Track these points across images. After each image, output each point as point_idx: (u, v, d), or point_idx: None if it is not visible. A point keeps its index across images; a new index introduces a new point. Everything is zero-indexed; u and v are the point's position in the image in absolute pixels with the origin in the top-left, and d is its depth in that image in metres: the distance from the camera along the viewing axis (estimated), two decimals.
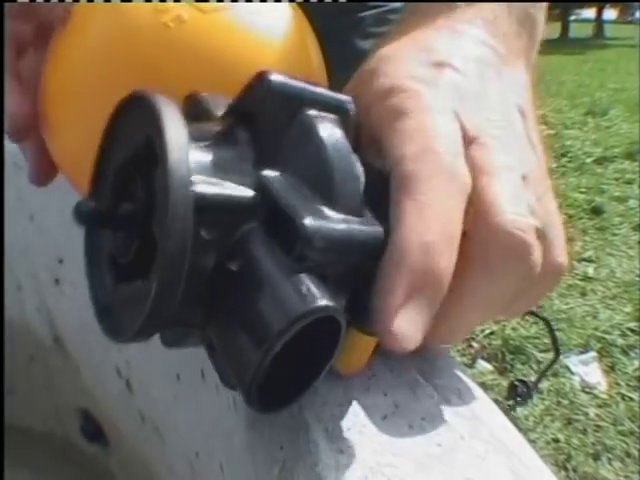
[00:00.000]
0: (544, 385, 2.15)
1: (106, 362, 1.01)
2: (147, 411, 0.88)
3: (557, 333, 2.32)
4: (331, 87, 0.33)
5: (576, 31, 30.84)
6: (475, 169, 0.32)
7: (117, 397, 1.04)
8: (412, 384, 0.37)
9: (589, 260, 3.11)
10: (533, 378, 2.16)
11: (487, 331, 2.49)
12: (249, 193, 0.28)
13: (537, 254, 0.31)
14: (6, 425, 1.42)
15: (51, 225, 1.02)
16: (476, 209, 0.32)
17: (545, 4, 0.49)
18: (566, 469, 1.89)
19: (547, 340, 2.33)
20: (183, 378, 0.64)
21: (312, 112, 0.30)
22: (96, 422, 1.17)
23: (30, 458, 1.35)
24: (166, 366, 0.68)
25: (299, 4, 0.49)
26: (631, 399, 2.11)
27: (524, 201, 0.32)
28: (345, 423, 0.34)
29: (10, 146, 1.08)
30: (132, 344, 0.69)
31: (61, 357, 1.16)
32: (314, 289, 0.26)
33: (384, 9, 1.03)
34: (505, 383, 2.19)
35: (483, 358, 2.35)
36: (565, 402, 2.09)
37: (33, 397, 1.34)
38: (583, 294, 2.78)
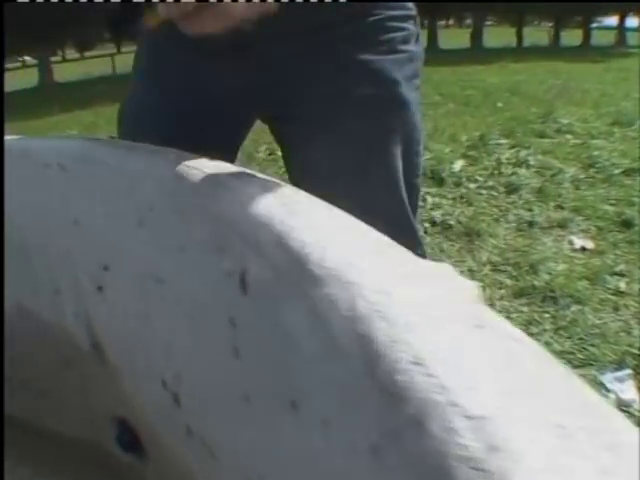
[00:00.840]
0: None
1: (151, 372, 0.97)
2: (197, 427, 0.84)
3: (591, 349, 2.27)
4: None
5: (598, 39, 30.59)
6: None
7: (160, 409, 1.00)
8: None
9: (621, 274, 3.05)
10: None
11: None
12: None
13: None
14: (37, 429, 1.39)
15: (97, 230, 0.99)
16: None
17: None
18: None
19: (581, 355, 2.28)
20: (254, 400, 0.60)
21: None
22: (133, 432, 1.13)
23: (60, 464, 1.32)
24: (231, 386, 0.65)
25: None
26: None
27: None
28: None
29: (55, 146, 1.05)
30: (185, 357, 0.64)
31: (99, 364, 1.13)
32: None
33: (382, 16, 0.95)
34: None
35: None
36: None
37: (66, 402, 1.31)
38: (616, 309, 2.72)
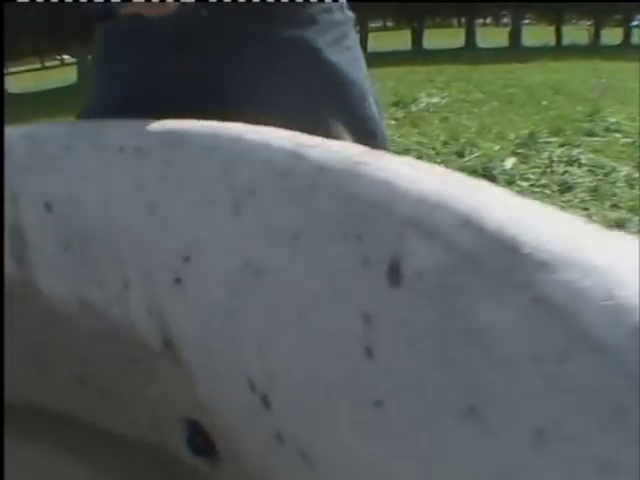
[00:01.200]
0: None
1: (235, 373, 0.89)
2: (291, 433, 0.76)
3: None
4: None
5: (638, 37, 29.93)
6: None
7: (244, 412, 0.92)
8: None
9: None
10: None
11: None
12: None
13: None
14: (98, 430, 1.32)
15: (177, 218, 0.91)
16: None
17: None
18: None
19: None
20: (390, 406, 0.51)
21: None
22: (207, 435, 1.05)
23: (122, 467, 1.25)
24: (355, 389, 0.56)
25: None
26: None
27: None
28: None
29: (131, 128, 0.97)
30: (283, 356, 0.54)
31: (171, 363, 1.05)
32: None
33: None
34: None
35: None
36: None
37: (130, 403, 1.24)
38: None
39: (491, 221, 0.37)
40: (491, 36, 30.84)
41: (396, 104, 8.69)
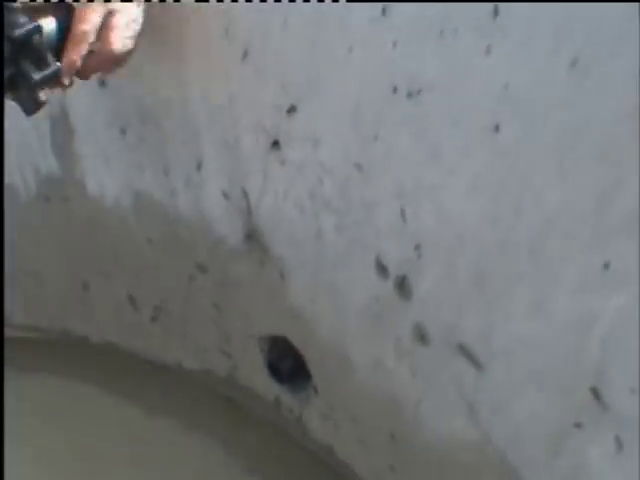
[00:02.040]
0: None
1: (357, 257, 0.66)
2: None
3: None
4: None
5: None
6: None
7: (366, 311, 0.69)
8: None
9: None
10: None
11: None
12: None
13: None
14: (152, 361, 1.09)
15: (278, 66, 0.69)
16: None
17: None
18: None
19: None
20: None
21: None
22: (297, 355, 0.82)
23: (178, 401, 1.02)
24: None
25: None
26: None
27: None
28: None
29: None
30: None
31: (253, 264, 0.82)
32: None
33: None
34: None
35: None
36: None
37: (186, 326, 1.01)
38: None
39: None
40: None
41: None
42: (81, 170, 1.03)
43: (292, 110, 0.72)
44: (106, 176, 1.00)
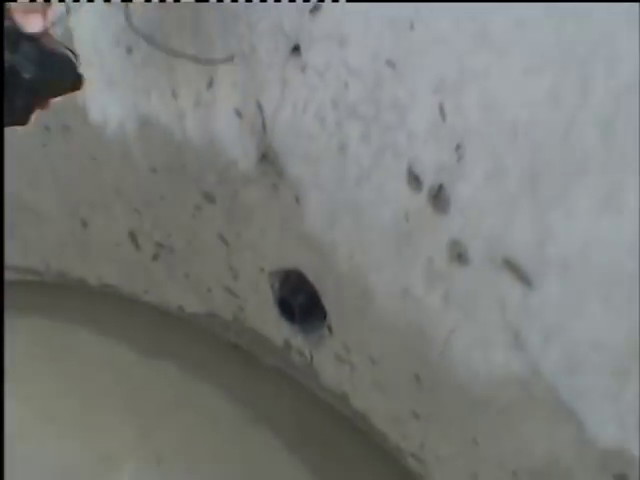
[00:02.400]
0: None
1: (386, 162, 0.57)
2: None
3: None
4: None
5: None
6: None
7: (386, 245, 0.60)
8: None
9: None
10: None
11: None
12: None
13: None
14: (152, 305, 1.01)
15: None
16: None
17: None
18: None
19: None
20: None
21: None
22: (310, 292, 0.73)
23: (179, 347, 0.93)
24: None
25: None
26: None
27: None
28: None
29: None
30: None
31: (265, 189, 0.73)
32: None
33: None
34: None
35: None
36: None
37: (191, 263, 0.92)
38: None
39: None
40: None
41: None
42: (83, 96, 0.95)
43: (316, 9, 0.63)
44: (109, 101, 0.91)
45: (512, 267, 0.48)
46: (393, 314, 0.60)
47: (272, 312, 0.79)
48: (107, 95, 0.93)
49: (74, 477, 0.77)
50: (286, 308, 0.74)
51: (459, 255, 0.53)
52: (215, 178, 0.82)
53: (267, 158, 0.74)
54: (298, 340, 0.76)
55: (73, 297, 1.02)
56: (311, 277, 0.71)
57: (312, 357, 0.75)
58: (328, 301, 0.69)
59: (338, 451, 0.74)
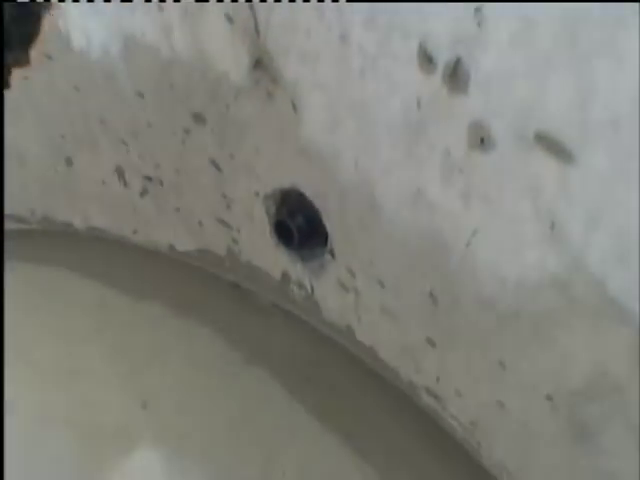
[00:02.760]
0: None
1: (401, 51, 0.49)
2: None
3: None
4: None
5: None
6: None
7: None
8: None
9: None
10: None
11: None
12: None
13: None
14: (141, 247, 0.93)
15: None
16: None
17: None
18: None
19: None
20: None
21: None
22: (310, 214, 0.64)
23: (170, 288, 0.85)
24: None
25: None
26: None
27: None
28: None
29: None
30: None
31: (260, 98, 0.65)
32: None
33: None
34: None
35: None
36: None
37: (183, 195, 0.83)
38: None
39: None
40: None
41: None
42: (65, 22, 0.87)
43: None
44: (93, 23, 0.83)
45: (547, 142, 0.40)
46: (404, 225, 0.52)
47: (268, 242, 0.71)
48: (90, 18, 0.85)
49: (55, 424, 0.70)
50: (284, 232, 0.65)
51: (482, 139, 0.44)
52: (205, 96, 0.74)
53: (261, 64, 0.66)
54: (297, 270, 0.68)
55: (58, 244, 0.95)
56: (311, 195, 0.63)
57: (313, 288, 0.67)
58: (330, 221, 0.61)
59: (343, 391, 0.66)
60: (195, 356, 0.73)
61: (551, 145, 0.40)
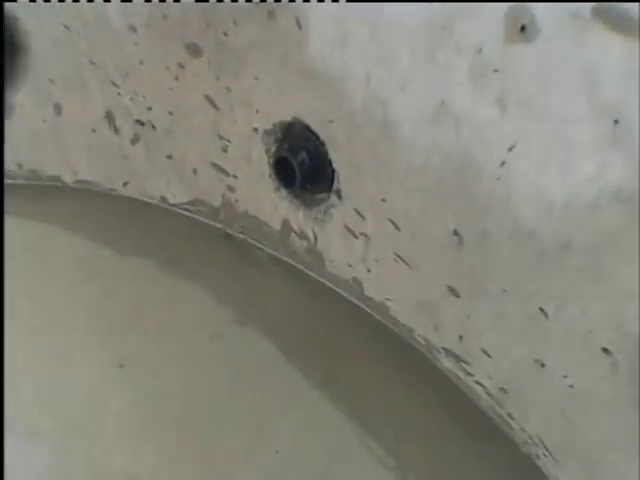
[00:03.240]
0: None
1: None
2: None
3: None
4: None
5: None
6: None
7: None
8: None
9: None
10: None
11: None
12: None
13: None
14: (132, 200, 0.84)
15: None
16: None
17: None
18: None
19: None
20: None
21: None
22: (314, 150, 0.55)
23: (162, 243, 0.76)
24: None
25: None
26: None
27: None
28: None
29: None
30: None
31: (260, 19, 0.56)
32: None
33: None
34: None
35: None
36: None
37: (176, 139, 0.74)
38: None
39: None
40: None
41: None
42: None
43: None
44: None
45: (609, 16, 0.30)
46: (424, 147, 0.43)
47: (267, 187, 0.62)
48: None
49: (28, 379, 0.61)
50: (284, 171, 0.57)
51: (522, 28, 0.35)
52: (200, 23, 0.65)
53: None
54: (299, 218, 0.59)
55: (45, 197, 0.86)
56: (315, 125, 0.53)
57: (316, 237, 0.58)
58: (338, 153, 0.52)
59: (348, 355, 0.57)
60: (182, 314, 0.65)
61: (615, 20, 0.30)
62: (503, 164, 0.39)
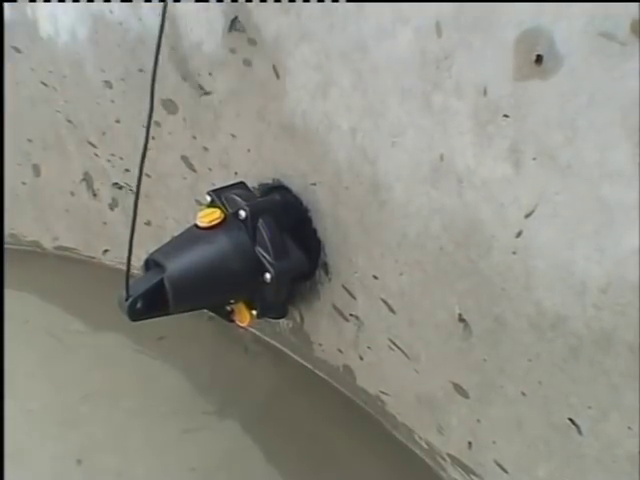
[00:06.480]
0: None
1: None
2: None
3: None
4: None
5: None
6: None
7: None
8: None
9: None
10: None
11: None
12: None
13: None
14: (110, 267, 0.76)
15: None
16: None
17: None
18: None
19: None
20: None
21: None
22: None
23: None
24: None
25: None
26: None
27: None
28: None
29: None
30: None
31: (238, 66, 0.50)
32: None
33: None
34: None
35: None
36: None
37: (154, 203, 0.67)
38: None
39: None
40: None
41: None
42: (33, 10, 0.75)
43: None
44: (60, 11, 0.70)
45: None
46: (421, 215, 0.35)
47: None
48: (57, 6, 0.73)
49: None
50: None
51: (538, 58, 0.27)
52: (176, 76, 0.58)
53: (237, 24, 0.50)
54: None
55: (29, 263, 0.79)
56: (297, 189, 0.46)
57: (302, 318, 0.49)
58: (322, 221, 0.44)
59: (340, 460, 0.47)
60: (153, 400, 0.56)
61: None
62: (520, 234, 0.30)
